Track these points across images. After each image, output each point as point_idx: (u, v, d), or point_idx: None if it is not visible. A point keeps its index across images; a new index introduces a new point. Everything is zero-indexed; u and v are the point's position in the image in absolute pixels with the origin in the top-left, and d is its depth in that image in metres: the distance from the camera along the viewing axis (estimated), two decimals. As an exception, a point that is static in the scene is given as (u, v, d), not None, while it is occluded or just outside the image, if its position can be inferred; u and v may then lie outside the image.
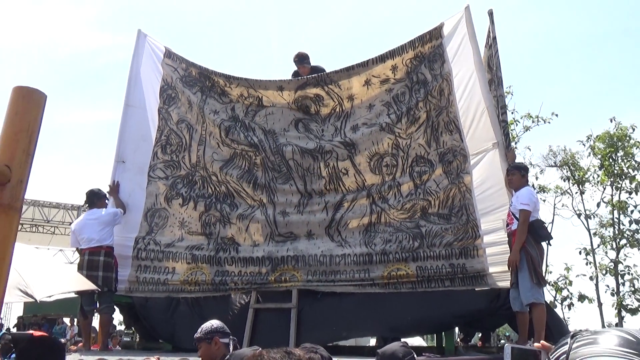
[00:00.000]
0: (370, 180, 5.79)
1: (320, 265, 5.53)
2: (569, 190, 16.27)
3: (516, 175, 4.97)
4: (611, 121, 15.26)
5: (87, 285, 4.70)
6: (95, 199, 5.92)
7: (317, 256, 5.57)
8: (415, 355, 2.72)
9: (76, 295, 5.75)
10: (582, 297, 15.19)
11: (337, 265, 5.49)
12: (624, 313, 14.48)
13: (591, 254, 15.53)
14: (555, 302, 15.00)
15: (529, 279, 4.58)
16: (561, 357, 0.98)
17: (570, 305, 15.23)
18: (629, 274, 14.83)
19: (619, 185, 15.16)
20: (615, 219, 15.34)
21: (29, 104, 0.97)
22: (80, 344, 6.53)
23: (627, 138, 14.93)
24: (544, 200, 15.90)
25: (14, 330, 14.01)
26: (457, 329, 6.45)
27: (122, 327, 12.51)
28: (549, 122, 15.01)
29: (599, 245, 15.83)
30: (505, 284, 4.90)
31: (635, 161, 14.82)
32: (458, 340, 7.56)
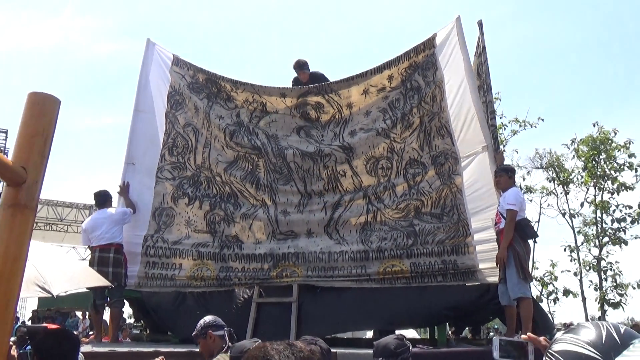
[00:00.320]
0: (367, 181, 5.80)
1: (320, 261, 5.53)
2: (554, 191, 16.29)
3: (503, 176, 4.98)
4: (594, 125, 15.27)
5: (101, 281, 4.69)
6: (103, 199, 5.93)
7: (317, 253, 5.58)
8: (410, 347, 2.71)
9: (87, 290, 5.75)
10: (566, 292, 15.19)
11: (336, 261, 5.49)
12: (606, 307, 14.48)
13: (575, 251, 15.53)
14: (542, 296, 15.00)
15: (516, 274, 4.59)
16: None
17: (555, 300, 15.23)
18: (611, 270, 14.83)
19: (602, 186, 15.17)
20: (598, 218, 15.34)
21: (43, 109, 0.98)
22: (92, 336, 6.53)
23: (609, 141, 14.94)
24: (531, 200, 15.94)
25: (29, 323, 13.97)
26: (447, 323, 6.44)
27: (132, 320, 12.47)
28: (536, 127, 15.07)
29: (582, 243, 15.85)
30: (494, 279, 4.90)
31: (617, 163, 14.82)
32: (450, 332, 7.56)
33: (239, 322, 5.16)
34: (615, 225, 14.77)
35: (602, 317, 14.40)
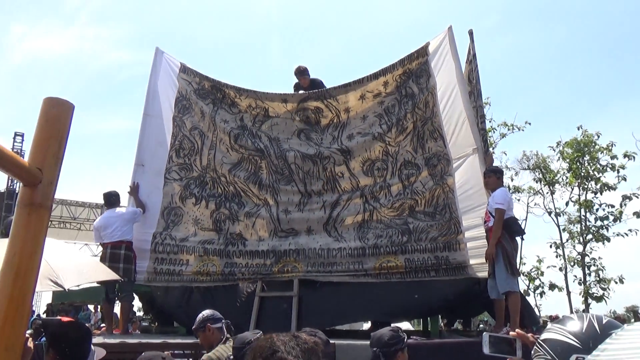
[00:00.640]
0: (364, 182, 5.81)
1: (319, 257, 5.53)
2: (540, 191, 16.28)
3: (492, 177, 4.97)
4: (578, 129, 15.26)
5: (111, 275, 4.68)
6: (112, 200, 5.94)
7: (316, 250, 5.58)
8: (405, 339, 2.71)
9: (99, 285, 5.74)
10: (552, 286, 15.20)
11: (334, 257, 5.49)
12: (590, 300, 14.49)
13: (560, 248, 15.53)
14: (529, 290, 14.99)
15: (505, 270, 4.59)
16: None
17: (542, 294, 15.24)
18: (594, 265, 14.82)
19: (586, 186, 15.16)
20: (582, 217, 15.33)
21: (58, 113, 0.97)
22: (104, 328, 6.52)
23: (593, 144, 14.93)
24: (519, 200, 15.93)
25: (43, 316, 13.94)
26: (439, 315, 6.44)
27: (141, 313, 12.46)
28: (523, 130, 15.08)
29: (567, 240, 15.84)
30: (484, 274, 4.90)
31: (600, 164, 14.80)
32: (442, 324, 7.56)
33: (243, 315, 5.16)
34: (599, 223, 14.76)
35: (585, 310, 14.39)
